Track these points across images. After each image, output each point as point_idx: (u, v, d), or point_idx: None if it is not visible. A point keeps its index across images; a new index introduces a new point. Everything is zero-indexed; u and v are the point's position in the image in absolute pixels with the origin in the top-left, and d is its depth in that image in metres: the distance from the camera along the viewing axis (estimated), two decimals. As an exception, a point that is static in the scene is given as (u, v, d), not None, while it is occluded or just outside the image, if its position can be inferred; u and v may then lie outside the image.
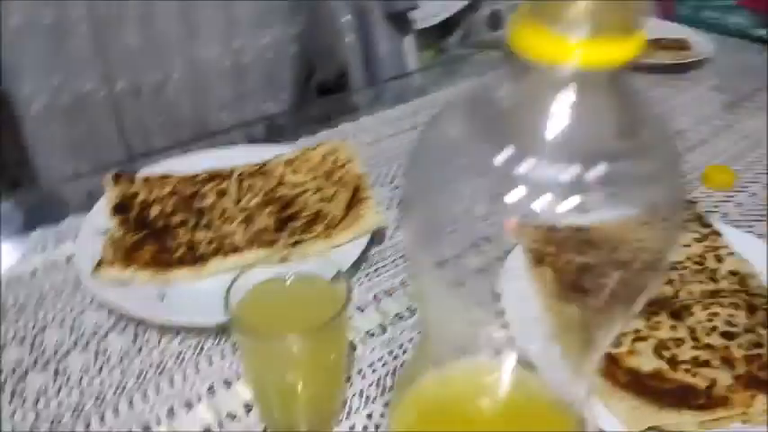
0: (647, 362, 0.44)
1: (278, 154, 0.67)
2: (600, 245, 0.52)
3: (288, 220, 0.58)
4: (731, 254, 0.52)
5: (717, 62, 0.97)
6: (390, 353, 0.48)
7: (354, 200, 0.59)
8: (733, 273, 0.51)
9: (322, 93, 1.49)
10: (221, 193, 0.62)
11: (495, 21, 1.43)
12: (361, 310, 0.52)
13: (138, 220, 0.58)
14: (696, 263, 0.52)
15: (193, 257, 0.54)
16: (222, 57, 1.41)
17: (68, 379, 0.46)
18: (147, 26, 1.23)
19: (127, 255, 0.53)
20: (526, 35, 0.19)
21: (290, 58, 1.55)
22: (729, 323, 0.46)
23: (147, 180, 0.62)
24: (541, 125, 0.20)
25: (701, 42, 1.01)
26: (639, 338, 0.45)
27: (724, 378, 0.42)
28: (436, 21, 1.40)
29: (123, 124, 1.29)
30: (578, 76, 0.19)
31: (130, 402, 0.45)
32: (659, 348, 0.45)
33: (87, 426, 0.43)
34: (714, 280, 0.50)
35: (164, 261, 0.53)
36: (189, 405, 0.45)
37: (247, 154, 0.68)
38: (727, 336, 0.45)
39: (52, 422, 0.43)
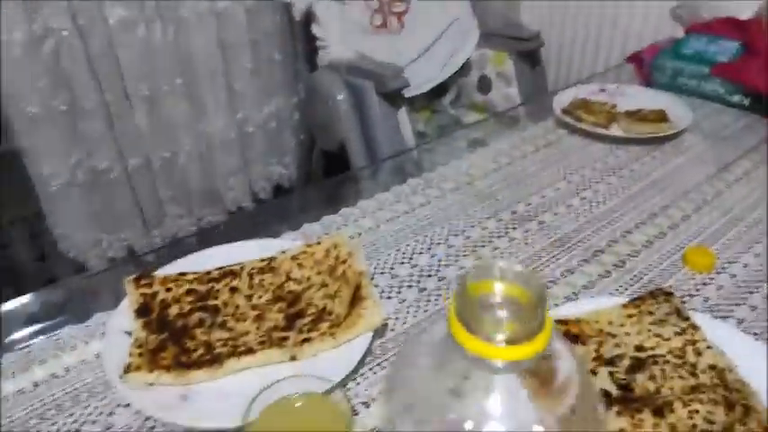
0: (632, 462, 0.47)
1: (284, 249, 0.71)
2: (585, 339, 0.56)
3: (296, 316, 0.63)
4: (709, 347, 0.56)
5: (696, 129, 1.03)
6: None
7: (356, 298, 0.63)
8: (712, 366, 0.55)
9: (326, 158, 1.56)
10: (234, 290, 0.66)
11: (484, 84, 1.50)
12: (366, 405, 0.56)
13: (159, 321, 0.62)
14: (677, 356, 0.56)
15: (211, 358, 0.58)
16: (227, 128, 1.49)
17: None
18: (155, 107, 1.30)
19: (151, 358, 0.57)
20: (461, 336, 0.27)
21: (292, 125, 1.63)
22: (709, 420, 0.50)
23: (164, 279, 0.67)
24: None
25: (679, 112, 1.07)
26: (625, 438, 0.49)
27: (703, 479, 0.46)
28: (429, 87, 1.47)
29: (137, 196, 1.35)
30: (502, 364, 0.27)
31: None
32: (643, 448, 0.48)
33: None
34: (694, 375, 0.54)
35: (184, 363, 0.57)
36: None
37: (255, 248, 0.72)
38: (707, 434, 0.49)
39: None
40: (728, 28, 1.20)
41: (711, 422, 0.50)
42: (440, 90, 1.60)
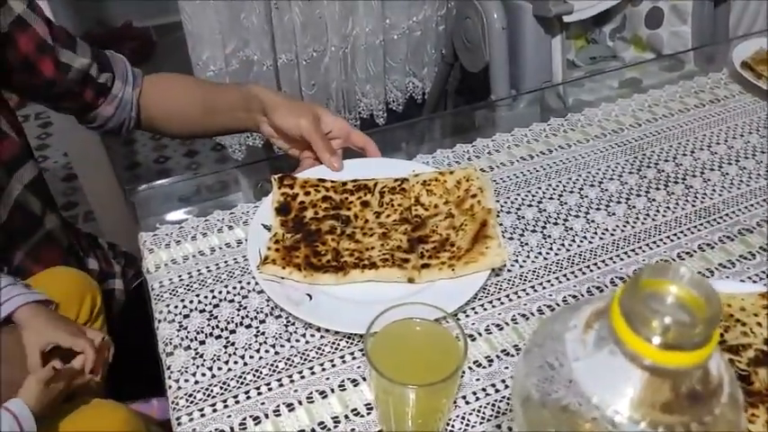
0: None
1: (417, 172, 0.74)
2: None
3: (418, 241, 0.66)
4: None
5: None
6: (493, 385, 0.55)
7: (480, 235, 0.64)
8: None
9: (465, 78, 1.52)
10: (365, 204, 0.71)
11: (654, 17, 1.35)
12: (473, 338, 0.59)
13: (296, 222, 0.68)
14: (810, 360, 0.53)
15: (337, 265, 0.63)
16: (374, 32, 1.48)
17: (235, 351, 0.58)
18: (310, 5, 1.32)
19: (285, 255, 0.63)
20: (621, 328, 0.27)
21: (436, 38, 1.59)
22: (829, 431, 0.48)
23: (305, 182, 0.72)
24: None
25: None
26: (730, 428, 0.48)
27: (807, 487, 0.45)
28: (593, 13, 1.35)
29: (281, 89, 1.42)
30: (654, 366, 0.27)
31: (280, 383, 0.56)
32: (749, 443, 0.47)
33: (247, 394, 0.55)
34: (825, 382, 0.51)
35: (313, 264, 0.63)
36: (323, 394, 0.55)
37: (389, 166, 0.75)
38: (824, 444, 0.47)
39: (222, 385, 0.56)
40: None
41: (833, 434, 0.48)
42: (602, 17, 1.47)
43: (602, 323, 0.29)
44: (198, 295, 0.64)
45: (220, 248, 0.69)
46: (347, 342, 0.59)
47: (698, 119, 0.88)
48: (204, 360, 0.58)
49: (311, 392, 0.55)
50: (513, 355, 0.57)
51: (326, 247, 0.65)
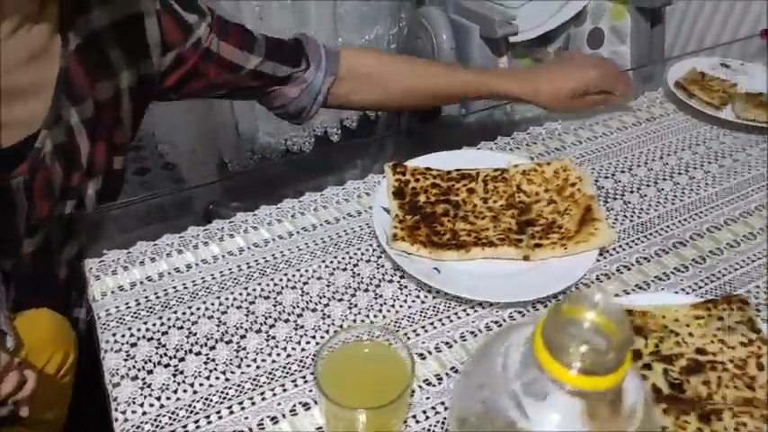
0: (668, 460, 0.49)
1: (515, 163, 0.80)
2: (647, 332, 0.57)
3: (526, 224, 0.72)
4: (774, 364, 0.56)
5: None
6: (442, 403, 0.56)
7: (586, 218, 0.70)
8: (772, 383, 0.54)
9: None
10: (471, 191, 0.77)
11: (595, 38, 1.41)
12: (423, 357, 0.60)
13: (411, 205, 0.74)
14: (737, 366, 0.56)
15: (457, 243, 0.68)
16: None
17: (184, 379, 0.58)
18: (264, 22, 1.32)
19: (409, 233, 0.69)
20: (543, 356, 0.29)
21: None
22: (755, 436, 0.51)
23: (414, 170, 0.78)
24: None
25: None
26: (665, 436, 0.51)
27: (734, 490, 0.47)
28: (538, 34, 1.40)
29: (235, 112, 1.41)
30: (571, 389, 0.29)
31: (230, 410, 0.55)
32: (682, 449, 0.50)
33: (197, 424, 0.54)
34: (751, 388, 0.54)
35: (435, 242, 0.68)
36: (275, 420, 0.55)
37: (486, 158, 0.83)
38: (749, 448, 0.50)
39: (171, 415, 0.55)
40: None
41: (758, 438, 0.50)
42: (547, 37, 1.52)
43: (530, 347, 0.30)
44: (146, 323, 0.63)
45: (169, 273, 0.68)
46: (298, 366, 0.59)
47: (635, 137, 0.93)
48: (152, 390, 0.57)
49: (262, 419, 0.55)
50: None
51: (444, 228, 0.71)
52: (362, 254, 0.71)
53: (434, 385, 0.57)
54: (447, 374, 0.58)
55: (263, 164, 1.49)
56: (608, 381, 0.28)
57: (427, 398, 0.56)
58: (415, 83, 0.89)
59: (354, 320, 0.63)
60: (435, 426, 0.54)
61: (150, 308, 0.64)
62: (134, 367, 0.59)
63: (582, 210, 0.72)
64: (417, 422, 0.54)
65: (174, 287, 0.67)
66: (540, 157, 0.88)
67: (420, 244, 0.68)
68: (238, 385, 0.57)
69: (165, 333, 0.62)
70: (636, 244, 0.73)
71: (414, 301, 0.65)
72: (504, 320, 0.64)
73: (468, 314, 0.64)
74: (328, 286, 0.67)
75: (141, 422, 0.54)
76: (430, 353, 0.60)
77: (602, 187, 0.82)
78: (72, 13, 0.67)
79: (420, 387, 0.57)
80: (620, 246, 0.73)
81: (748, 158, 0.89)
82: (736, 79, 1.05)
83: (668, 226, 0.76)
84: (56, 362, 0.78)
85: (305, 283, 0.67)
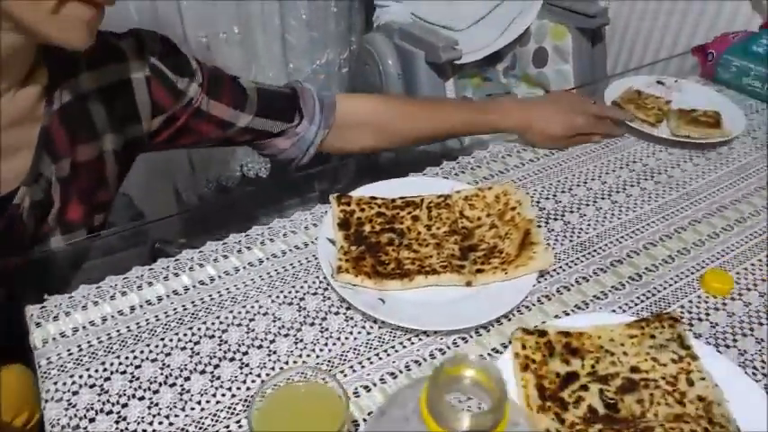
0: (602, 480, 0.51)
1: (458, 189, 0.82)
2: (584, 354, 0.59)
3: (469, 249, 0.74)
4: (703, 378, 0.58)
5: (749, 137, 1.00)
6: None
7: (526, 242, 0.72)
8: (700, 398, 0.57)
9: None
10: (415, 219, 0.79)
11: (540, 57, 1.46)
12: (368, 389, 0.61)
13: (356, 236, 0.75)
14: (669, 383, 0.58)
15: (402, 272, 0.70)
16: (278, 78, 1.51)
17: (127, 426, 0.57)
18: (210, 53, 1.33)
19: (354, 265, 0.69)
20: (428, 421, 0.31)
21: (340, 80, 1.64)
22: (684, 451, 0.53)
23: (359, 200, 0.79)
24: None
25: (735, 117, 1.02)
26: (600, 457, 0.52)
27: (665, 506, 0.49)
28: (484, 54, 1.44)
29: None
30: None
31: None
32: (615, 468, 0.52)
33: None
34: (681, 403, 0.57)
35: (380, 272, 0.70)
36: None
37: (430, 185, 0.84)
38: (679, 463, 0.52)
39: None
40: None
41: (687, 453, 0.53)
42: (495, 57, 1.57)
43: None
44: (88, 369, 0.62)
45: (113, 317, 0.68)
46: (243, 406, 0.59)
47: (575, 156, 0.96)
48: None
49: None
50: None
51: (389, 257, 0.72)
52: (309, 287, 0.72)
53: None
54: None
55: (214, 196, 1.49)
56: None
57: None
58: (415, 126, 0.91)
59: (300, 356, 0.64)
60: (380, 459, 0.55)
61: (93, 353, 0.64)
62: (75, 416, 0.58)
63: (522, 233, 0.74)
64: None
65: (118, 330, 0.66)
66: (484, 180, 0.90)
67: (365, 275, 0.69)
68: (182, 429, 0.57)
69: (107, 379, 0.61)
70: (575, 264, 0.76)
71: (359, 333, 0.66)
72: (449, 347, 0.65)
73: (413, 343, 0.65)
74: (274, 322, 0.67)
75: (81, 474, 0.53)
76: (375, 384, 0.61)
77: (544, 208, 0.85)
78: (60, 76, 0.67)
79: (365, 420, 0.58)
80: (561, 267, 0.75)
81: (683, 174, 0.93)
82: (670, 96, 1.09)
83: (606, 245, 0.79)
84: (22, 418, 0.77)
85: (251, 320, 0.67)
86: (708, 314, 0.69)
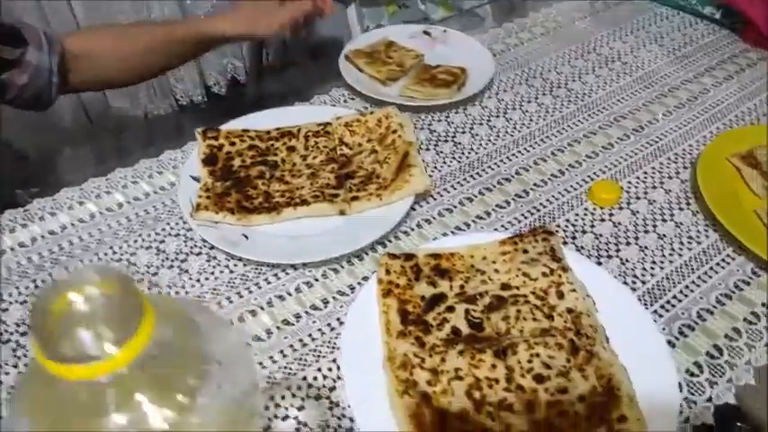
0: (456, 402, 0.48)
1: (339, 115, 0.77)
2: (453, 275, 0.56)
3: (346, 177, 0.69)
4: (573, 290, 0.55)
5: (657, 43, 0.97)
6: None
7: (403, 164, 0.68)
8: (569, 310, 0.54)
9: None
10: (291, 149, 0.73)
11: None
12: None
13: (224, 171, 0.70)
14: (539, 297, 0.55)
15: (269, 206, 0.65)
16: (174, 13, 1.40)
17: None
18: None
19: (217, 201, 0.65)
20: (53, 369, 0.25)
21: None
22: (546, 365, 0.50)
23: (229, 134, 0.74)
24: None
25: (482, 73, 0.87)
26: (458, 377, 0.50)
27: (519, 424, 0.47)
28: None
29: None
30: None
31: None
32: (472, 388, 0.49)
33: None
34: (550, 317, 0.54)
35: (246, 207, 0.65)
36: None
37: (311, 113, 0.79)
38: (539, 379, 0.49)
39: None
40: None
41: (549, 367, 0.50)
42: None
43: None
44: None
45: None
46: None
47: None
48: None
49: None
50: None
51: (257, 191, 0.67)
52: (171, 229, 0.66)
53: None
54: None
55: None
56: (135, 346, 0.25)
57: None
58: (153, 56, 0.84)
59: (153, 301, 0.59)
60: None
61: None
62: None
63: (400, 157, 0.69)
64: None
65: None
66: (372, 106, 0.84)
67: (227, 211, 0.64)
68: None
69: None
70: (461, 185, 0.72)
71: (222, 272, 0.61)
72: (317, 280, 0.61)
73: (278, 278, 0.61)
74: (128, 267, 0.62)
75: None
76: (232, 323, 0.57)
77: (435, 131, 0.80)
78: None
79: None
80: (445, 189, 0.71)
81: (583, 86, 0.88)
82: (426, 50, 0.94)
83: (495, 163, 0.75)
84: None
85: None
86: (593, 226, 0.67)
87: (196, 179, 0.69)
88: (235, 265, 0.62)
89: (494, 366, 0.50)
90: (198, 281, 0.61)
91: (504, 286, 0.57)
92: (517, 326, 0.53)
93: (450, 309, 0.55)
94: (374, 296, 0.56)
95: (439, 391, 0.48)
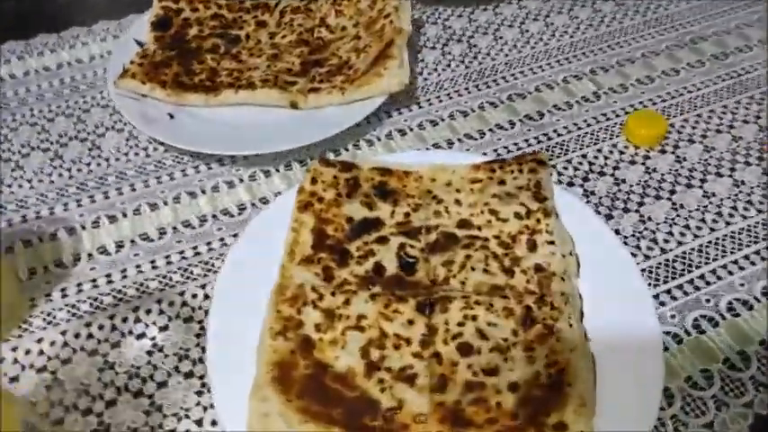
0: (345, 358, 0.36)
1: None
2: (400, 198, 0.43)
3: (314, 64, 0.57)
4: (551, 243, 0.40)
5: None
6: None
7: (382, 54, 0.54)
8: (539, 268, 0.40)
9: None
10: (261, 24, 0.61)
11: None
12: (113, 219, 0.47)
13: (174, 39, 0.59)
14: (502, 244, 0.41)
15: (210, 85, 0.54)
16: None
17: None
18: None
19: (150, 70, 0.54)
20: None
21: None
22: (482, 334, 0.37)
23: None
24: None
25: None
26: (358, 327, 0.37)
27: (417, 404, 0.34)
28: None
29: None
30: None
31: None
32: (371, 345, 0.36)
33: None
34: (509, 272, 0.40)
35: (182, 83, 0.54)
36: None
37: None
38: (466, 349, 0.36)
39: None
40: None
41: (484, 336, 0.36)
42: None
43: None
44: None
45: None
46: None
47: None
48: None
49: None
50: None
51: (203, 66, 0.57)
52: (101, 99, 0.56)
53: (110, 254, 0.44)
54: (132, 241, 0.45)
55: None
56: None
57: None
58: None
59: (50, 174, 0.50)
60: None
61: None
62: None
63: (382, 46, 0.55)
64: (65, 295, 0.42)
65: None
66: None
67: (158, 83, 0.53)
68: None
69: None
70: (461, 95, 0.56)
71: (137, 155, 0.51)
72: (242, 180, 0.49)
73: (199, 171, 0.50)
74: (38, 134, 0.53)
75: None
76: (126, 215, 0.47)
77: (450, 27, 0.64)
78: None
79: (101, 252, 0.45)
80: (438, 96, 0.56)
81: None
82: None
83: (512, 74, 0.58)
84: None
85: (12, 130, 0.53)
86: (617, 168, 0.50)
87: (140, 44, 0.58)
88: (155, 149, 0.52)
89: (411, 322, 0.37)
90: (107, 159, 0.51)
91: (462, 223, 0.42)
92: (460, 275, 0.39)
93: (383, 240, 0.42)
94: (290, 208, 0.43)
95: (327, 340, 0.36)
